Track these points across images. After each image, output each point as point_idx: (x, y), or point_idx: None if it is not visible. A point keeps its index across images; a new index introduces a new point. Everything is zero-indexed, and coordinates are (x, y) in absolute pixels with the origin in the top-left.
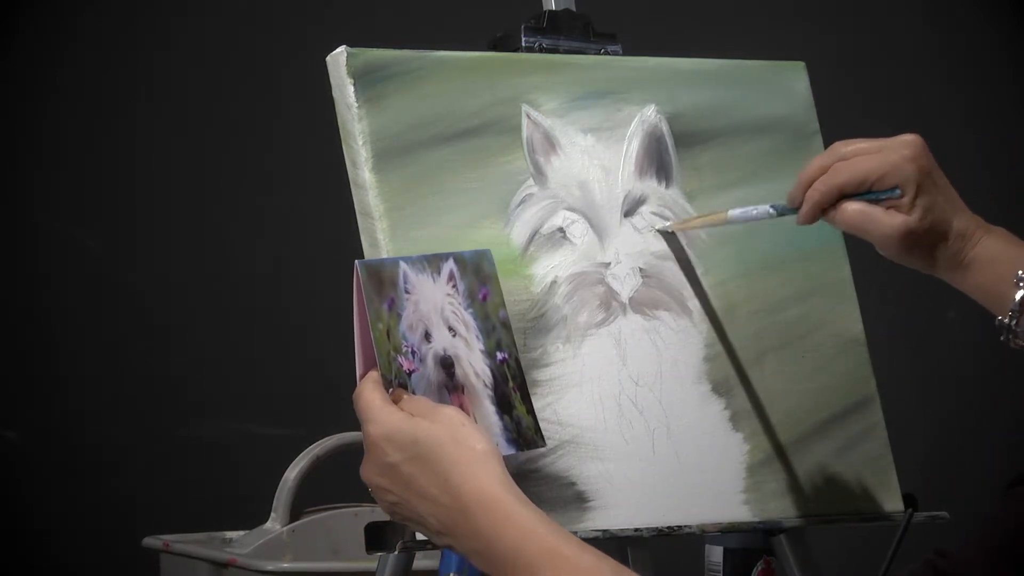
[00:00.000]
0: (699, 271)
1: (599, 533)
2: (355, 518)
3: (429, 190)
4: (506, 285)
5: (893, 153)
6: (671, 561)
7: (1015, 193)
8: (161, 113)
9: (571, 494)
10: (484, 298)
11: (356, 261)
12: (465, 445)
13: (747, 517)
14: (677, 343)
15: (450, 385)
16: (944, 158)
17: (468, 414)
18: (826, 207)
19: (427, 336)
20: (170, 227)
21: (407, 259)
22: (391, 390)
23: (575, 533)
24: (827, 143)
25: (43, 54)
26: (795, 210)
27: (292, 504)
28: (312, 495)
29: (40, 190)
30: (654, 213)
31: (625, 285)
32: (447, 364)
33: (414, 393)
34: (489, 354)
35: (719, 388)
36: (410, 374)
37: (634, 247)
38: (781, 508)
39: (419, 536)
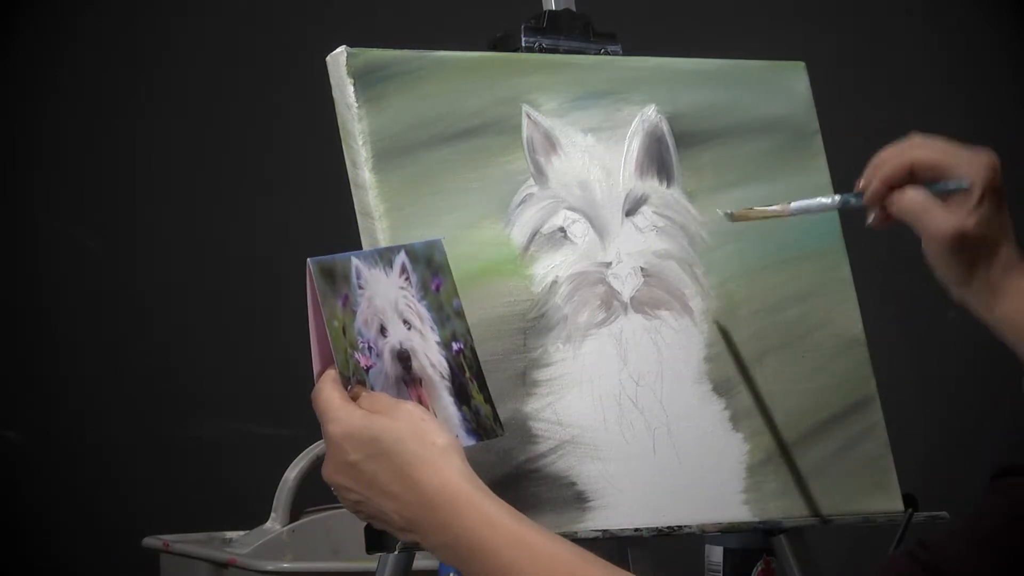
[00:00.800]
0: (700, 271)
1: (599, 533)
2: (355, 518)
3: (429, 190)
4: (506, 285)
5: (972, 155)
6: (671, 561)
7: (1015, 193)
8: (161, 113)
9: (571, 494)
10: (437, 288)
11: (308, 259)
12: (426, 440)
13: (747, 517)
14: (678, 343)
15: (407, 378)
16: None
17: (427, 407)
18: (894, 186)
19: (382, 330)
20: (170, 227)
21: (359, 254)
22: (350, 388)
23: (575, 533)
24: (827, 143)
25: (43, 54)
26: (859, 196)
27: (292, 504)
28: (312, 495)
29: (40, 190)
30: (655, 212)
31: (626, 285)
32: (403, 357)
33: (372, 389)
34: (445, 345)
35: (719, 388)
36: (367, 370)
37: (635, 247)
38: (781, 508)
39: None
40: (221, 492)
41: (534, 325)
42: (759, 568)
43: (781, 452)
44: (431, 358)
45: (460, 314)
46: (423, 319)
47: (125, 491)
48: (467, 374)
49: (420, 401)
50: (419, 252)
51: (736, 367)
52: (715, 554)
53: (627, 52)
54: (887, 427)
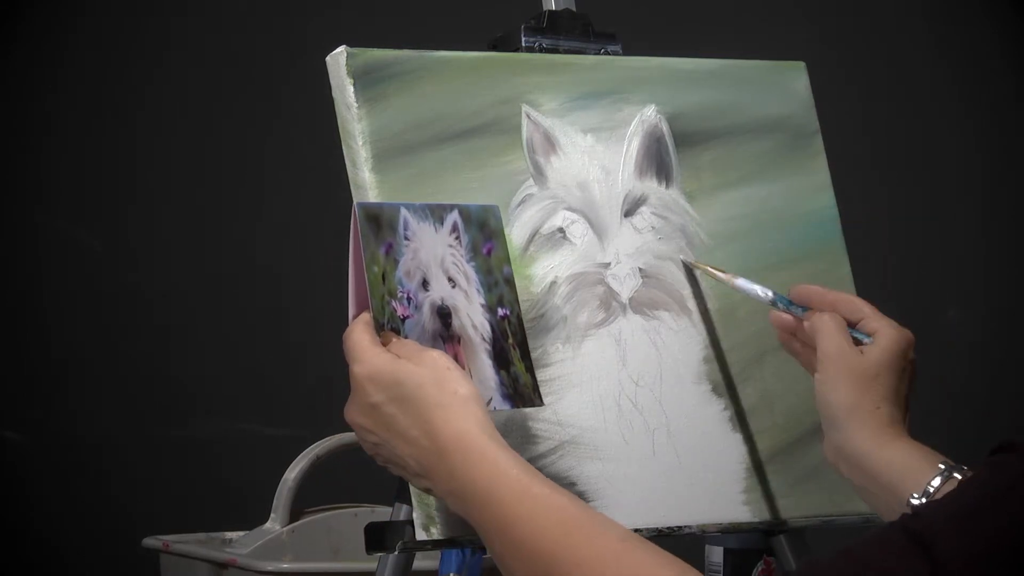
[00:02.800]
0: (698, 272)
1: None
2: (355, 518)
3: (429, 190)
4: None
5: (891, 323)
6: None
7: (1015, 193)
8: (161, 113)
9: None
10: (488, 252)
11: (356, 202)
12: (446, 388)
13: (747, 517)
14: (677, 343)
15: (445, 335)
16: (944, 158)
17: (463, 365)
18: (815, 305)
19: (424, 284)
20: (170, 227)
21: (409, 205)
22: (381, 333)
23: None
24: (827, 143)
25: (43, 54)
26: (787, 301)
27: (292, 504)
28: (312, 495)
29: (41, 190)
30: (654, 213)
31: (625, 285)
32: (444, 314)
33: (406, 338)
34: (490, 308)
35: (719, 388)
36: (404, 320)
37: (634, 247)
38: (781, 508)
39: (419, 537)
40: (221, 492)
41: (533, 326)
42: (759, 568)
43: (781, 452)
44: (473, 319)
45: (510, 282)
46: (470, 280)
47: (125, 491)
48: (510, 340)
49: (456, 359)
50: (473, 214)
51: (736, 368)
52: (715, 554)
53: (627, 52)
54: None
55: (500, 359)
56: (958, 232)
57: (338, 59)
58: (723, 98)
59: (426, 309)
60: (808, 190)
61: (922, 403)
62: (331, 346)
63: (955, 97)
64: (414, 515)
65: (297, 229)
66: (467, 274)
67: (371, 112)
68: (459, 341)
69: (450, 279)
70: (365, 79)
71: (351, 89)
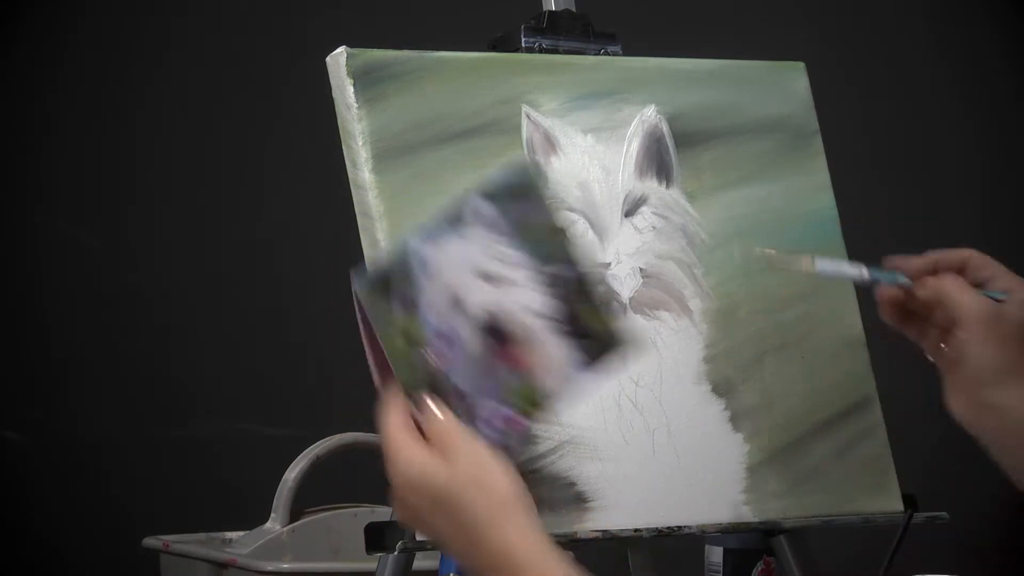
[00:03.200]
0: (699, 271)
1: (599, 533)
2: (355, 518)
3: (429, 190)
4: None
5: (1021, 281)
6: (671, 561)
7: (1015, 193)
8: (161, 113)
9: (571, 494)
10: (523, 215)
11: (351, 273)
12: (487, 490)
13: (747, 517)
14: (677, 343)
15: (499, 349)
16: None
17: (524, 367)
18: (936, 271)
19: (456, 304)
20: (170, 227)
21: (418, 230)
22: (417, 399)
23: (575, 534)
24: (827, 143)
25: (43, 54)
26: (893, 273)
27: (292, 504)
28: (312, 495)
29: (41, 190)
30: (654, 213)
31: (625, 285)
32: (489, 323)
33: (456, 386)
34: (541, 272)
35: (719, 388)
36: (443, 371)
37: (634, 247)
38: (781, 508)
39: (419, 536)
40: (221, 492)
41: None
42: (759, 568)
43: (781, 452)
44: (524, 302)
45: (558, 230)
46: (510, 260)
47: (125, 491)
48: (571, 295)
49: (517, 363)
50: (497, 185)
51: (736, 368)
52: (715, 554)
53: (627, 52)
54: (887, 427)
55: (569, 324)
56: (958, 232)
57: (338, 59)
58: (723, 98)
59: (467, 333)
60: (808, 190)
61: (922, 403)
62: (331, 346)
63: (955, 97)
64: None
65: (297, 229)
66: (504, 256)
67: (371, 112)
68: (514, 342)
69: (485, 277)
70: (365, 79)
71: (351, 89)
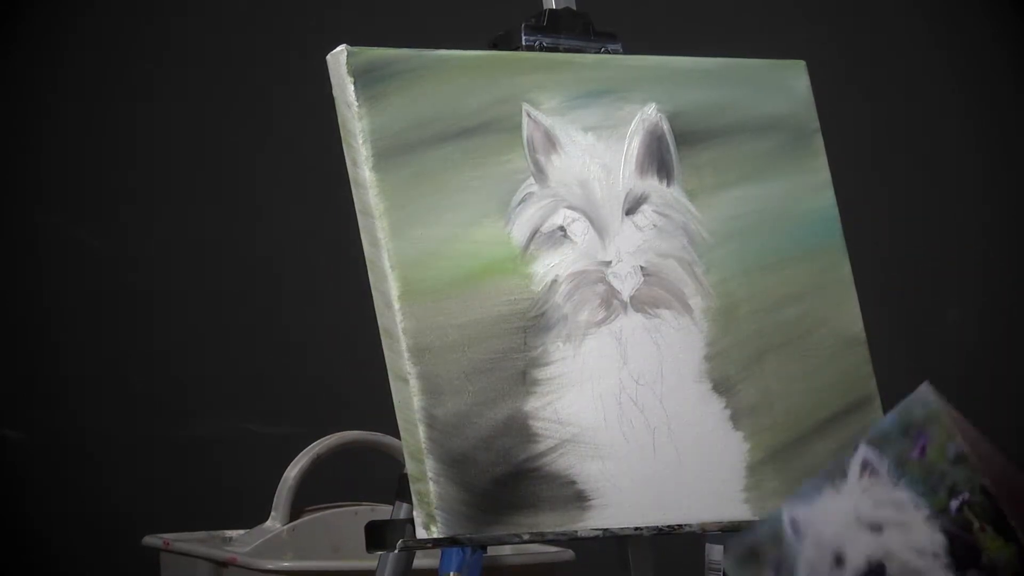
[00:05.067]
0: (700, 269)
1: (599, 532)
2: (355, 517)
3: (429, 189)
4: (506, 284)
5: None
6: (671, 560)
7: (1015, 193)
8: (161, 113)
9: (571, 493)
10: (922, 451)
11: (709, 543)
12: None
13: (747, 516)
14: (678, 342)
15: None
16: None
17: None
18: None
19: (839, 559)
20: (170, 227)
21: (798, 495)
22: None
23: (575, 532)
24: (827, 142)
25: (43, 54)
26: None
27: (292, 503)
28: (312, 494)
29: (41, 190)
30: (655, 211)
31: (626, 284)
32: (878, 572)
33: None
34: (940, 510)
35: (719, 387)
36: None
37: (635, 245)
38: None
39: (419, 536)
40: (221, 491)
41: (534, 324)
42: None
43: (781, 451)
44: (917, 544)
45: (960, 459)
46: (902, 505)
47: (125, 490)
48: (975, 526)
49: None
50: (890, 429)
51: (736, 366)
52: (715, 553)
53: (627, 51)
54: None
55: (966, 560)
56: (958, 232)
57: (338, 58)
58: (723, 97)
59: None
60: (808, 189)
61: None
62: (331, 345)
63: (956, 96)
64: (414, 513)
65: (297, 229)
66: (895, 501)
67: (371, 111)
68: None
69: (873, 527)
70: (365, 78)
71: (351, 88)
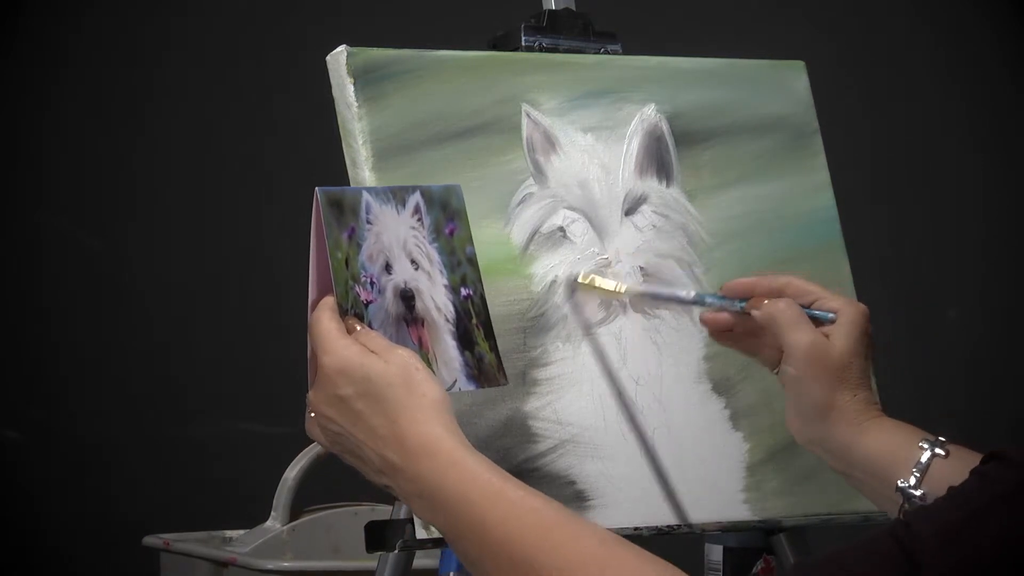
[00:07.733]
0: (699, 270)
1: None
2: (355, 517)
3: None
4: (506, 284)
5: (845, 298)
6: (671, 560)
7: (1015, 193)
8: (161, 113)
9: (571, 493)
10: (451, 233)
11: (316, 188)
12: (416, 391)
13: (747, 516)
14: (677, 342)
15: (409, 318)
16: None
17: (427, 348)
18: (765, 295)
19: (387, 267)
20: (170, 227)
21: (371, 189)
22: (345, 318)
23: None
24: (827, 142)
25: (44, 54)
26: (717, 296)
27: (292, 503)
28: (312, 494)
29: (41, 190)
30: (654, 212)
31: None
32: (407, 296)
33: (370, 325)
34: (453, 289)
35: (719, 387)
36: (367, 304)
37: (635, 246)
38: (781, 507)
39: (419, 536)
40: (221, 491)
41: (534, 324)
42: (759, 567)
43: (781, 451)
44: (437, 300)
45: (472, 261)
46: (432, 261)
47: (125, 490)
48: (473, 320)
49: (420, 341)
50: (435, 195)
51: (736, 366)
52: (715, 553)
53: (627, 51)
54: None
55: (464, 340)
56: (958, 232)
57: (338, 58)
58: (723, 97)
59: (389, 292)
60: (808, 189)
61: (922, 403)
62: None
63: (955, 96)
64: (414, 513)
65: (297, 229)
66: (430, 255)
67: (371, 111)
68: (423, 323)
69: (413, 261)
70: (365, 78)
71: (351, 88)
